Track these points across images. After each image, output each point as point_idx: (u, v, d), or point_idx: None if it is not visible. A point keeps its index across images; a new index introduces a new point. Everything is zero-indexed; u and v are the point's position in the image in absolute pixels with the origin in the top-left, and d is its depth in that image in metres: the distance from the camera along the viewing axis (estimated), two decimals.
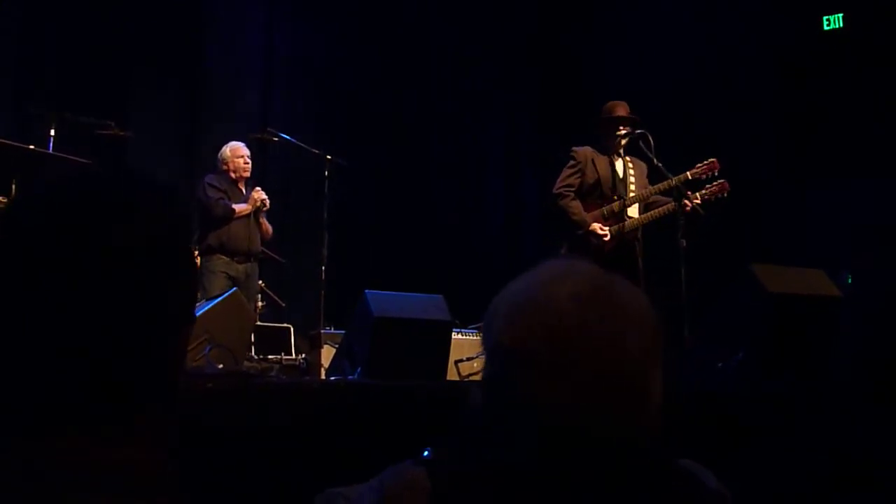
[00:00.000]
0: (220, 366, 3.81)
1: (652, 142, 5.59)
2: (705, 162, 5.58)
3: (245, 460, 2.68)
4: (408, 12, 9.18)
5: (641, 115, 5.84)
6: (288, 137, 6.62)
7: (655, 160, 5.59)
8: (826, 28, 7.97)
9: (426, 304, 4.48)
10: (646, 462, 1.16)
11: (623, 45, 8.75)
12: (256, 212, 6.46)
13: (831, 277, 4.36)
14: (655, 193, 5.71)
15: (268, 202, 6.52)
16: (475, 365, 5.75)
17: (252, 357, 5.90)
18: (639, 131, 5.66)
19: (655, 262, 5.79)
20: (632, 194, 5.73)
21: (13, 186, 5.01)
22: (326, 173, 6.44)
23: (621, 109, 5.77)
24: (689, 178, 5.54)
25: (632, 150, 5.75)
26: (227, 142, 6.65)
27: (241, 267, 6.35)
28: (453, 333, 4.95)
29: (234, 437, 2.71)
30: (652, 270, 5.72)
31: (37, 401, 0.90)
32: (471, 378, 5.62)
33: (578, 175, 5.69)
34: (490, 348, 1.19)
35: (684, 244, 5.31)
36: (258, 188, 6.51)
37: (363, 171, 8.25)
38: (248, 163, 6.55)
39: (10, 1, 7.03)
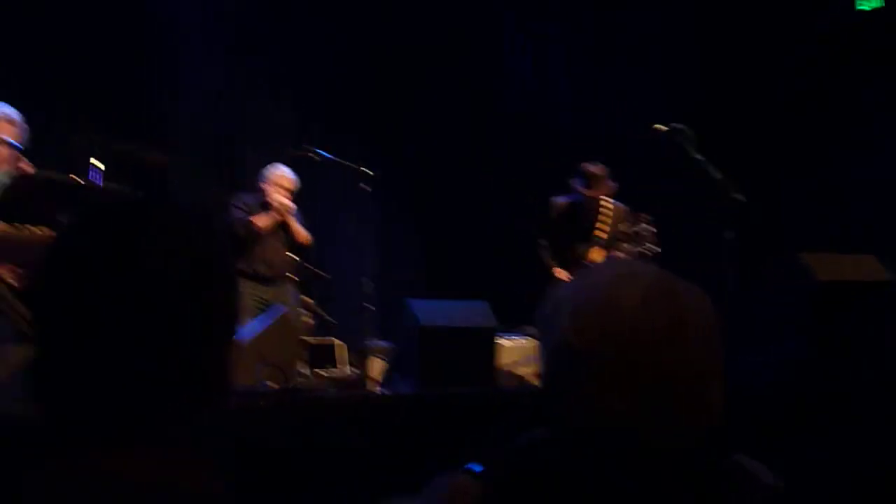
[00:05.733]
0: (272, 384, 3.83)
1: (692, 137, 5.58)
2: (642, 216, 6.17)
3: (299, 476, 2.70)
4: (443, 25, 9.20)
5: (669, 103, 5.84)
6: (326, 154, 6.53)
7: (697, 155, 5.56)
8: (858, 7, 7.79)
9: (470, 311, 4.48)
10: (699, 459, 1.15)
11: (651, 20, 8.62)
12: (285, 224, 6.05)
13: (881, 262, 4.29)
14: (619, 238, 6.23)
15: (292, 206, 6.03)
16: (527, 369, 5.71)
17: (303, 373, 5.92)
18: (678, 126, 5.63)
19: (701, 254, 5.78)
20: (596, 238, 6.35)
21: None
22: (361, 186, 6.40)
23: (598, 171, 6.26)
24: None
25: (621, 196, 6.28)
26: (266, 163, 6.55)
27: (269, 290, 6.02)
28: (501, 338, 4.93)
29: (287, 454, 2.73)
30: (698, 262, 5.71)
31: (83, 422, 0.92)
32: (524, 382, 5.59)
33: (554, 224, 6.36)
34: (553, 348, 1.17)
35: (730, 236, 5.32)
36: (272, 193, 6.01)
37: (403, 181, 8.30)
38: (286, 194, 6.09)
39: (48, 27, 7.11)
